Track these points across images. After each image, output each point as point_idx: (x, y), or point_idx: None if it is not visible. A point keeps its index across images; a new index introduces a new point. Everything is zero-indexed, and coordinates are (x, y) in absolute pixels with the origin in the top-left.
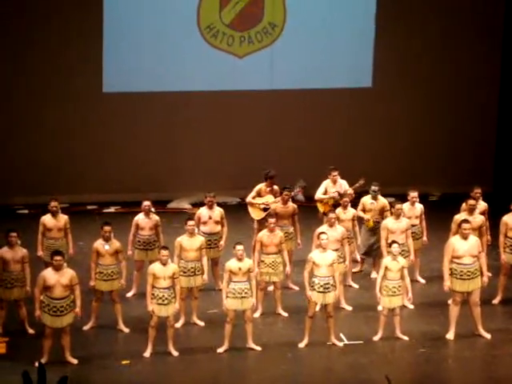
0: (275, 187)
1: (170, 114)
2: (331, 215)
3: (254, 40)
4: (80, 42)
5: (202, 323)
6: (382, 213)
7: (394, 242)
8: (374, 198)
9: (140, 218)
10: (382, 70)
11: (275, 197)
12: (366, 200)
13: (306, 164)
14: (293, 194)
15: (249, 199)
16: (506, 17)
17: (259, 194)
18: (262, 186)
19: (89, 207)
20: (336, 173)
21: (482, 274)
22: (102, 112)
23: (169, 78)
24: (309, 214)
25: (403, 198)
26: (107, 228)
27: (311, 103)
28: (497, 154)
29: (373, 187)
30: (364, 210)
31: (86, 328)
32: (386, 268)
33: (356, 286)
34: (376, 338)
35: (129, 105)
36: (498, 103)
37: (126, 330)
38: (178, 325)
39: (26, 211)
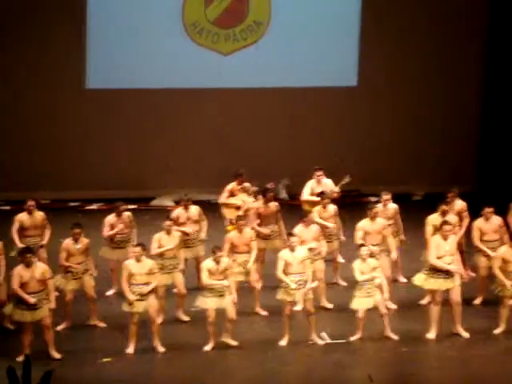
0: (246, 184)
1: (153, 111)
2: (311, 215)
3: (239, 37)
4: (63, 37)
5: (186, 318)
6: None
7: (362, 245)
8: (256, 197)
9: (111, 219)
10: (368, 69)
11: (248, 194)
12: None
13: (290, 162)
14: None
15: (222, 200)
16: (491, 16)
17: (232, 194)
18: (233, 185)
19: (71, 204)
20: (321, 173)
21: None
22: (85, 108)
23: (153, 75)
24: (292, 212)
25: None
26: (77, 230)
27: (296, 101)
28: (480, 153)
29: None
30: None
31: (59, 328)
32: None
33: (344, 283)
34: (353, 339)
35: (112, 101)
36: (482, 103)
37: (102, 325)
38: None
39: (7, 207)
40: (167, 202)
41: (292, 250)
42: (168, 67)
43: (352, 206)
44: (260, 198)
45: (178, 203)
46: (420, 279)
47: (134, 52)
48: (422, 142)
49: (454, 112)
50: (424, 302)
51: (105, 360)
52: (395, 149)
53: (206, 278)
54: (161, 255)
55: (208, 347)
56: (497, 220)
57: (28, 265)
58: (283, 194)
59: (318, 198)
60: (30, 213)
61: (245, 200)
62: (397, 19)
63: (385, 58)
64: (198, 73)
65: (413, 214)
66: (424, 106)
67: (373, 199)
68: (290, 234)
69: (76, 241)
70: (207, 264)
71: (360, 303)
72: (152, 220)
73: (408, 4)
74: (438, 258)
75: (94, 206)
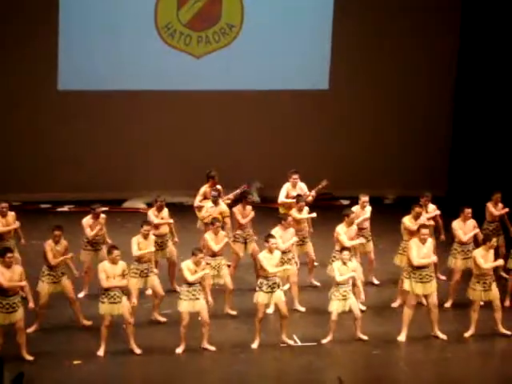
0: (218, 187)
1: (126, 113)
2: (290, 219)
3: (212, 40)
4: (36, 39)
5: (163, 319)
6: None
7: (344, 248)
8: (215, 202)
9: (89, 221)
10: (339, 73)
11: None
12: (207, 205)
13: (262, 165)
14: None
15: (197, 203)
16: (463, 16)
17: (205, 197)
18: (205, 187)
19: (42, 206)
20: (297, 176)
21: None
22: (57, 110)
23: (125, 77)
24: (265, 215)
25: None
26: (58, 232)
27: (267, 104)
28: (451, 158)
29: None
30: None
31: (29, 331)
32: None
33: (317, 283)
34: (325, 341)
35: (85, 103)
36: (453, 107)
37: (88, 323)
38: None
39: None
40: (139, 204)
41: (271, 251)
42: (140, 69)
43: (324, 208)
44: (219, 203)
45: (149, 205)
46: (408, 284)
47: (106, 54)
48: (393, 146)
49: (426, 116)
50: (395, 305)
51: (75, 362)
52: (366, 153)
53: (190, 276)
54: (138, 259)
55: (180, 349)
56: (471, 222)
57: (9, 266)
58: (255, 197)
59: (294, 201)
60: (3, 215)
61: (205, 205)
62: (368, 23)
63: (356, 62)
64: (170, 75)
65: (385, 217)
66: (395, 111)
67: (344, 202)
68: (270, 236)
69: (56, 243)
70: (187, 264)
71: (337, 305)
72: (123, 222)
73: (379, 7)
74: None
75: (65, 208)
